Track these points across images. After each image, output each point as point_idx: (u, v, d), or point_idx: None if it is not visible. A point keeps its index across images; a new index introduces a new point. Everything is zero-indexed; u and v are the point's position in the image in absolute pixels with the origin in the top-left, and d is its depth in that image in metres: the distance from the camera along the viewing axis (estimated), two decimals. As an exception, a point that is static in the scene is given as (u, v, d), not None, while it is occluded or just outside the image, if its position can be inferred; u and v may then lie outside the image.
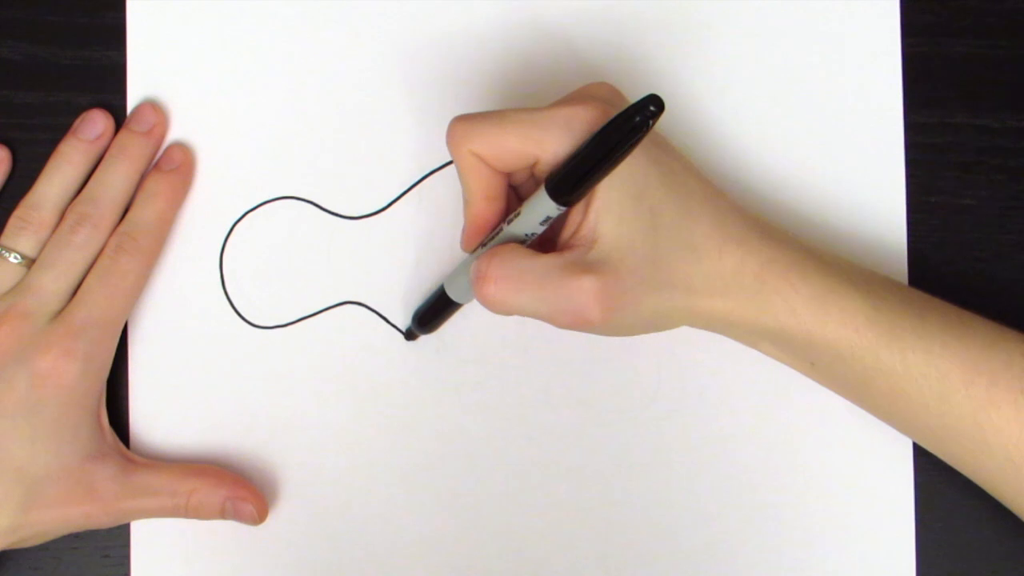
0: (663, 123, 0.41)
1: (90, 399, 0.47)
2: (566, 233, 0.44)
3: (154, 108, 0.50)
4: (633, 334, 0.46)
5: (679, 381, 0.51)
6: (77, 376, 0.46)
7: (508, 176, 0.45)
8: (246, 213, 0.51)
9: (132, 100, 0.51)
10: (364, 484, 0.50)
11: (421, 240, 0.51)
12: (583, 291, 0.42)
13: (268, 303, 0.51)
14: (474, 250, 0.46)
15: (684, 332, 0.51)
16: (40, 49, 0.51)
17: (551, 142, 0.43)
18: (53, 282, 0.47)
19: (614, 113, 0.40)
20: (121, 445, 0.49)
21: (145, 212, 0.49)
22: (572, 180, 0.41)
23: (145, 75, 0.51)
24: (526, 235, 0.44)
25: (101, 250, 0.48)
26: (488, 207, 0.45)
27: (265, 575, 0.50)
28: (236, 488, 0.48)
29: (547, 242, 0.45)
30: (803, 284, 0.45)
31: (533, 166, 0.44)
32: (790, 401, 0.51)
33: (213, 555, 0.50)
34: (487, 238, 0.45)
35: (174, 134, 0.51)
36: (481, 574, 0.50)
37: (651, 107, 0.38)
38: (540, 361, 0.51)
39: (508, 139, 0.43)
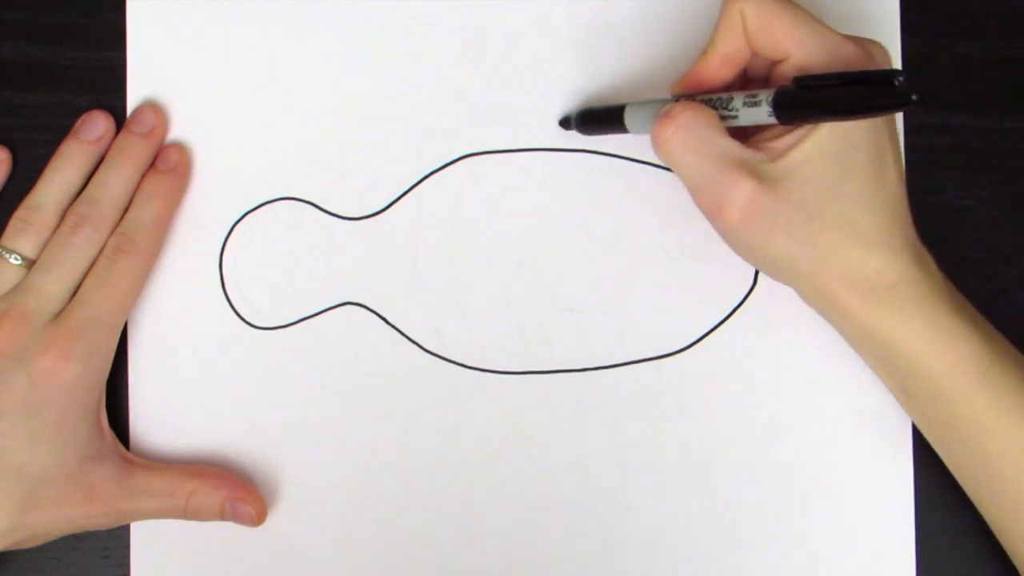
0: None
1: (89, 400, 0.47)
2: (765, 133, 0.44)
3: (154, 109, 0.50)
4: (749, 260, 0.46)
5: (679, 381, 0.51)
6: (76, 377, 0.46)
7: (751, 57, 0.45)
8: (246, 214, 0.51)
9: (132, 101, 0.51)
10: (363, 485, 0.50)
11: (421, 240, 0.51)
12: (739, 190, 0.42)
13: (268, 304, 0.51)
14: (676, 100, 0.45)
15: (682, 331, 0.51)
16: (40, 50, 0.51)
17: (810, 48, 0.43)
18: (53, 283, 0.47)
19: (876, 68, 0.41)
20: (120, 446, 0.49)
21: (142, 212, 0.49)
22: (804, 107, 0.41)
23: (145, 76, 0.51)
24: (729, 114, 0.44)
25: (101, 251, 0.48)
26: (719, 69, 0.45)
27: None
28: (235, 489, 0.48)
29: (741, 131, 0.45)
30: (932, 315, 0.44)
31: (775, 64, 0.44)
32: (790, 401, 0.51)
33: (213, 556, 0.50)
34: (696, 97, 0.45)
35: (174, 135, 0.51)
36: (481, 575, 0.50)
37: (912, 94, 0.38)
38: (540, 362, 0.51)
39: (781, 19, 0.43)
